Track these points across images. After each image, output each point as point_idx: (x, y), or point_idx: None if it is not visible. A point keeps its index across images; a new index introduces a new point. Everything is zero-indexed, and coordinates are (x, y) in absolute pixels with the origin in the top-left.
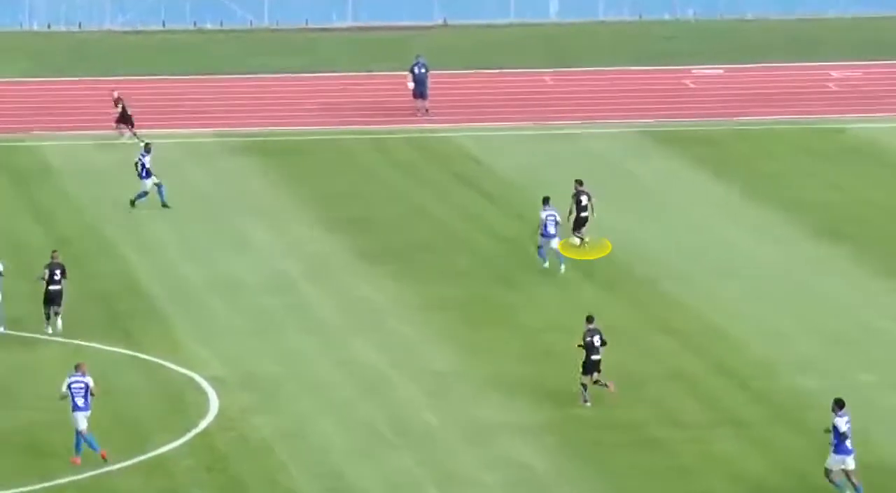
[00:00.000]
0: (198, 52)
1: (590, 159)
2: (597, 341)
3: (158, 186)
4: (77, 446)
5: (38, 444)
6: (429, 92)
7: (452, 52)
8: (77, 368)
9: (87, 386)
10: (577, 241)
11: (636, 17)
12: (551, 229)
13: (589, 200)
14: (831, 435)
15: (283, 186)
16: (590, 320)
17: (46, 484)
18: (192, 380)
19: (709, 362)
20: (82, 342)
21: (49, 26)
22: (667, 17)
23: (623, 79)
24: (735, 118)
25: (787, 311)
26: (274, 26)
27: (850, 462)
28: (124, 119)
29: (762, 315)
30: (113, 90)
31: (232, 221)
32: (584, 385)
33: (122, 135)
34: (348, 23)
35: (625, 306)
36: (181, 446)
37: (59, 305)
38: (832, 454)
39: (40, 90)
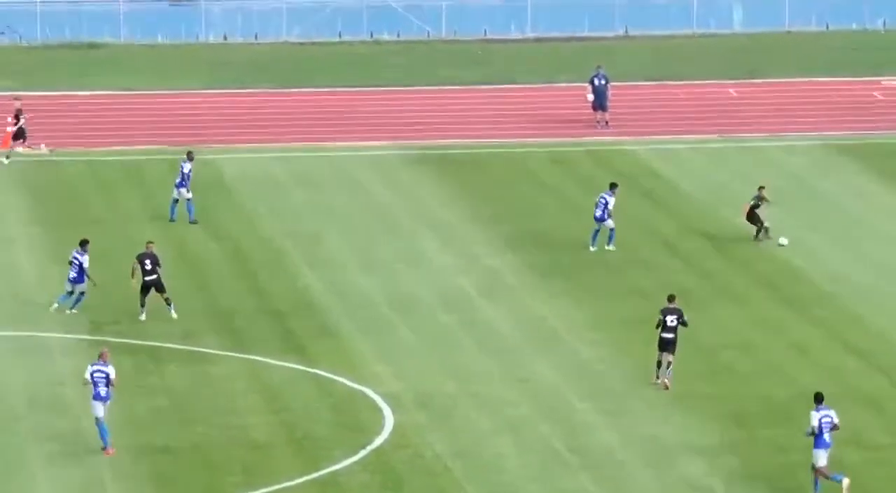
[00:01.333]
0: (374, 64)
1: (776, 173)
2: (671, 320)
3: (189, 200)
4: (103, 437)
5: (213, 461)
6: (609, 104)
7: (633, 63)
8: (100, 356)
9: (108, 376)
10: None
11: (823, 27)
12: (598, 213)
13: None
14: (808, 429)
15: (459, 200)
16: (671, 299)
17: None
18: (366, 396)
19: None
20: (258, 357)
21: (225, 38)
22: (854, 26)
23: (809, 90)
24: None
25: None
26: (451, 37)
27: (820, 458)
28: (19, 134)
29: None
30: (15, 99)
31: (408, 236)
32: (658, 363)
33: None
34: (528, 33)
35: (811, 325)
36: (355, 463)
37: (161, 292)
38: (815, 449)
39: (217, 102)
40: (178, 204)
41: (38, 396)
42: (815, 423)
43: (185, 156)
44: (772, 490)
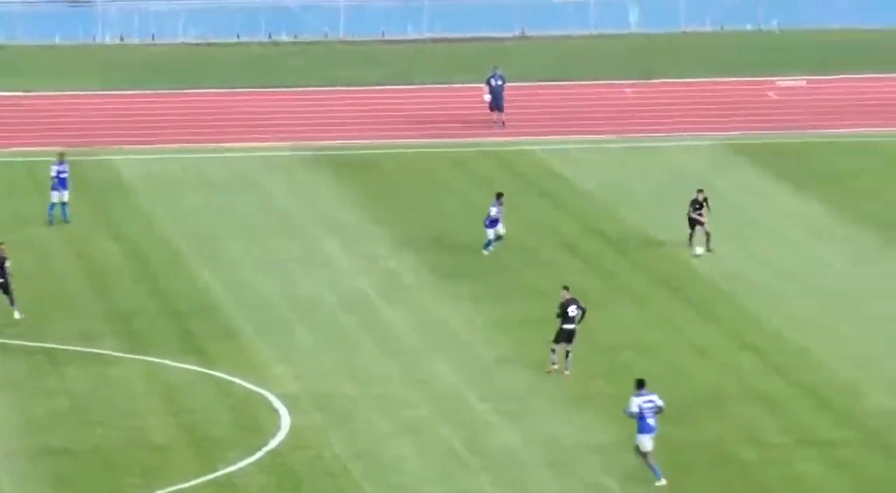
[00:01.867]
0: (272, 65)
1: (672, 173)
2: (572, 310)
3: (63, 203)
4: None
5: (112, 463)
6: (505, 104)
7: (530, 64)
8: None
9: None
10: (699, 250)
11: (718, 28)
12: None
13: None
14: (629, 414)
15: (357, 201)
16: (567, 289)
17: None
18: (265, 398)
19: (791, 381)
20: (157, 359)
21: (122, 39)
22: (749, 27)
23: (705, 90)
24: (820, 130)
25: (876, 331)
26: (349, 38)
27: (647, 443)
28: None
29: (848, 335)
30: None
31: (307, 237)
32: (553, 350)
33: None
34: (425, 34)
35: (707, 324)
36: (252, 464)
37: (9, 294)
38: (638, 434)
39: (112, 103)
40: (56, 207)
41: None
42: (634, 409)
43: (56, 157)
44: (668, 487)
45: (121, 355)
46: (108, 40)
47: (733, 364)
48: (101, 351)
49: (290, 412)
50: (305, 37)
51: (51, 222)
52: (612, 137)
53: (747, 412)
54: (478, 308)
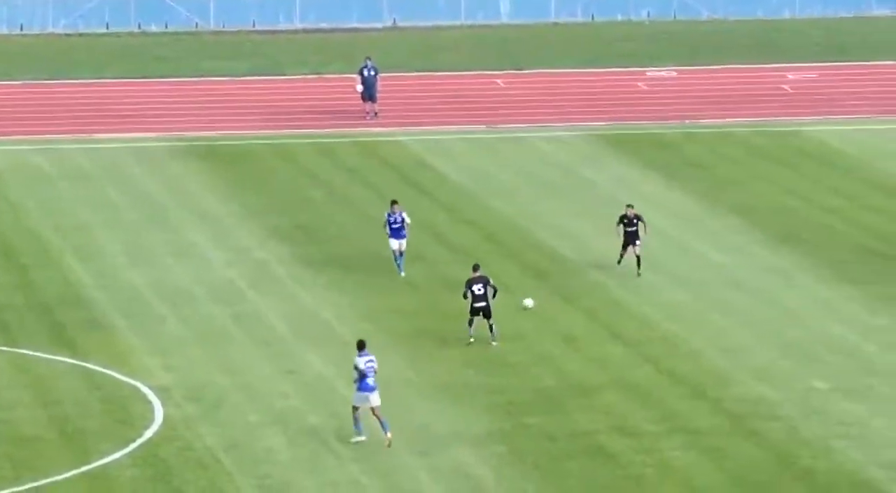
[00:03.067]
0: (142, 55)
1: (541, 163)
2: (478, 289)
3: None
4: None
5: None
6: (378, 95)
7: (402, 55)
8: None
9: None
10: (529, 302)
11: (588, 19)
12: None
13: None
14: (355, 374)
15: (227, 192)
16: (475, 268)
17: None
18: (137, 390)
19: (661, 370)
20: (26, 351)
21: None
22: (620, 18)
23: (575, 81)
24: (689, 121)
25: (742, 319)
26: (220, 28)
27: (373, 399)
28: None
29: (717, 324)
30: None
31: (177, 228)
32: (470, 322)
33: None
34: (295, 25)
35: (577, 313)
36: (125, 456)
37: None
38: (356, 392)
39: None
40: None
41: None
42: (362, 367)
43: None
44: (539, 477)
45: None
46: None
47: (603, 353)
48: None
49: (163, 403)
50: (176, 27)
51: None
52: (483, 127)
53: (618, 401)
54: (347, 298)
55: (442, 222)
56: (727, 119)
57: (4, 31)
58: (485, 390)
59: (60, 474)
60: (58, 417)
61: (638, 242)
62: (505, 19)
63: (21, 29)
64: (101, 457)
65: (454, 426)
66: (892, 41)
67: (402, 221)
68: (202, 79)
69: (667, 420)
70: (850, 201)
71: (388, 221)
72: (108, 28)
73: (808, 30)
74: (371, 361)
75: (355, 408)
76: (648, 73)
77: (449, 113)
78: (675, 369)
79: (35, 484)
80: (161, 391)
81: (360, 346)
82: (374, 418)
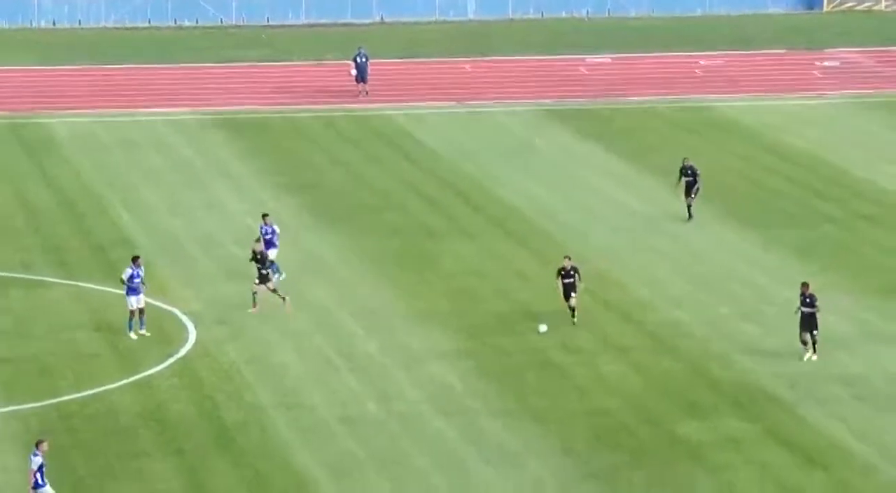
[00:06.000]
0: (177, 45)
1: (501, 133)
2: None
3: None
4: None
5: (48, 369)
6: (368, 77)
7: (388, 45)
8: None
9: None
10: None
11: (539, 15)
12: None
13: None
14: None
15: (247, 156)
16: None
17: (53, 400)
18: (174, 315)
19: (598, 299)
20: (85, 284)
21: (54, 24)
22: (564, 14)
23: (529, 66)
24: (620, 98)
25: (661, 257)
26: (240, 23)
27: (134, 302)
28: None
29: (640, 261)
30: None
31: (206, 185)
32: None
33: None
34: (302, 20)
35: (531, 255)
36: (165, 369)
37: None
38: (127, 297)
39: (46, 77)
40: None
41: None
42: (124, 277)
43: None
44: (499, 385)
45: (54, 280)
46: (42, 25)
47: (548, 286)
48: (38, 277)
49: (195, 326)
50: (204, 22)
51: None
52: (454, 103)
53: (562, 323)
54: (345, 241)
55: (420, 180)
56: (651, 96)
57: (66, 25)
58: (453, 316)
59: (113, 383)
60: (110, 337)
61: (573, 294)
62: (472, 15)
63: (79, 23)
64: (146, 369)
65: (429, 345)
66: (784, 33)
67: (274, 232)
68: (226, 64)
69: (601, 340)
70: (748, 162)
71: (262, 232)
72: (149, 23)
73: (717, 24)
74: (139, 273)
75: (131, 313)
76: (588, 60)
77: (426, 92)
78: (608, 298)
79: (93, 391)
80: (194, 316)
81: (134, 259)
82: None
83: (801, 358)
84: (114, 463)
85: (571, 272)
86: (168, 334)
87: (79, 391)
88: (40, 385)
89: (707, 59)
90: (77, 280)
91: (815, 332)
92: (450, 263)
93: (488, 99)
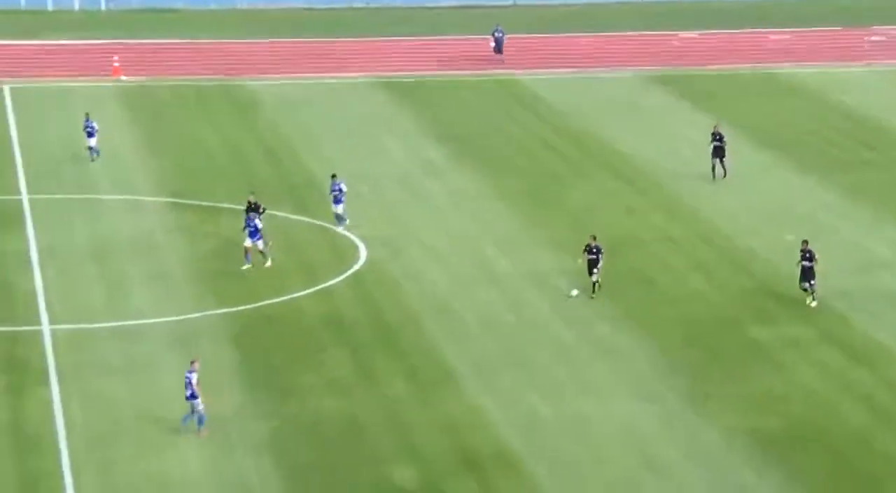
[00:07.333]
0: (354, 24)
1: (610, 95)
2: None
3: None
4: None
5: (251, 280)
6: (504, 49)
7: (520, 23)
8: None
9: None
10: (574, 292)
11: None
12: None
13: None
14: None
15: (409, 112)
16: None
17: (255, 305)
18: (349, 239)
19: (690, 229)
20: (282, 214)
21: (254, 4)
22: None
23: (632, 40)
24: (706, 66)
25: (739, 195)
26: (404, 5)
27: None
28: None
29: (723, 198)
30: None
31: (374, 136)
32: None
33: None
34: (452, 3)
35: (636, 193)
36: (341, 281)
37: None
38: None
39: (251, 48)
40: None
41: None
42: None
43: (85, 115)
44: (608, 297)
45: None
46: (246, 6)
47: (651, 219)
48: (242, 207)
49: (366, 247)
50: (376, 4)
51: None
52: (573, 70)
53: (659, 250)
54: (486, 181)
55: (545, 132)
56: (730, 65)
57: (273, 6)
58: (574, 242)
59: (301, 291)
60: (298, 256)
61: (595, 270)
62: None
63: (273, 4)
64: (326, 281)
65: (554, 265)
66: (839, 13)
67: (341, 190)
68: (391, 38)
69: (692, 261)
70: (808, 119)
71: (332, 188)
72: (333, 6)
73: (784, 5)
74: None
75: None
76: (680, 35)
77: (550, 61)
78: (696, 228)
79: (283, 298)
80: (364, 240)
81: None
82: None
83: (851, 275)
84: (301, 355)
85: (595, 250)
86: (344, 254)
87: (274, 298)
88: (245, 293)
89: (775, 35)
90: (273, 211)
91: (812, 282)
92: (570, 199)
93: (600, 67)
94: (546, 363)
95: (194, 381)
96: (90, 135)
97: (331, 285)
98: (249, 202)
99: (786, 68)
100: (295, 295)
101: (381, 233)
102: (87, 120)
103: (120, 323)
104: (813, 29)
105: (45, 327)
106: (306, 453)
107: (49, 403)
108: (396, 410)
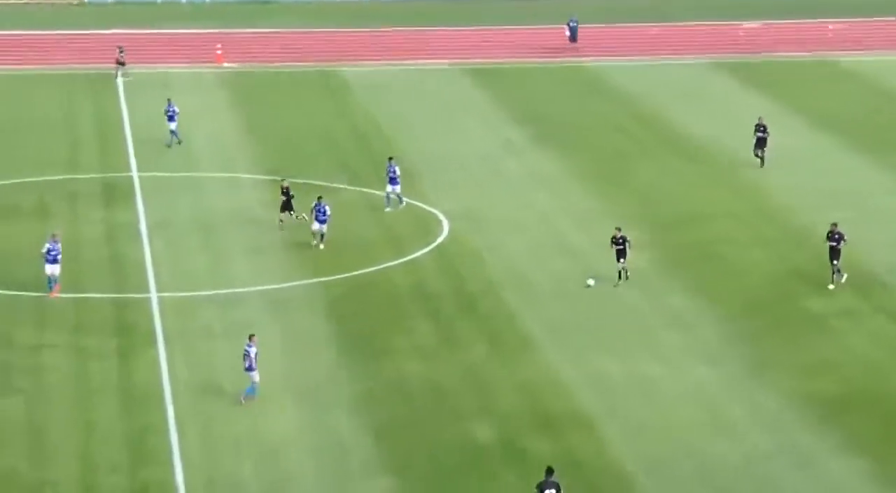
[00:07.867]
0: (433, 14)
1: (676, 80)
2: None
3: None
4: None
5: (344, 251)
6: (578, 38)
7: (592, 14)
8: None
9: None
10: (591, 281)
11: None
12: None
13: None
14: None
15: (488, 96)
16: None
17: (348, 274)
18: (433, 213)
19: (752, 205)
20: (369, 190)
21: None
22: None
23: (698, 30)
24: (769, 54)
25: (797, 175)
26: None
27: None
28: None
29: (782, 176)
30: None
31: (458, 117)
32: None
33: None
34: None
35: (699, 170)
36: (426, 253)
37: None
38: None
39: (344, 37)
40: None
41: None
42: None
43: (169, 102)
44: (677, 269)
45: (344, 187)
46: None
47: (713, 193)
48: (334, 185)
49: (449, 221)
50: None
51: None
52: (643, 58)
53: (722, 225)
54: (561, 159)
55: (615, 114)
56: (792, 53)
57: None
58: (642, 217)
59: (389, 262)
60: (385, 229)
61: (623, 260)
62: None
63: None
64: (413, 253)
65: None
66: (893, 4)
67: (395, 172)
68: (474, 27)
69: (755, 234)
70: (864, 103)
71: (388, 170)
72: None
73: None
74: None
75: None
76: (744, 25)
77: (620, 48)
78: (759, 204)
79: (370, 270)
80: (447, 214)
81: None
82: None
83: None
84: (390, 322)
85: (621, 240)
86: (429, 227)
87: (361, 269)
88: (338, 263)
89: (835, 25)
90: (363, 187)
91: (836, 261)
92: (638, 177)
93: (667, 54)
94: (618, 330)
95: (252, 354)
96: (171, 119)
97: (416, 257)
98: (282, 188)
99: (843, 56)
100: (384, 266)
101: (463, 208)
102: (170, 104)
103: (221, 291)
104: (869, 19)
105: (153, 294)
106: (394, 412)
107: (156, 363)
108: (477, 372)
